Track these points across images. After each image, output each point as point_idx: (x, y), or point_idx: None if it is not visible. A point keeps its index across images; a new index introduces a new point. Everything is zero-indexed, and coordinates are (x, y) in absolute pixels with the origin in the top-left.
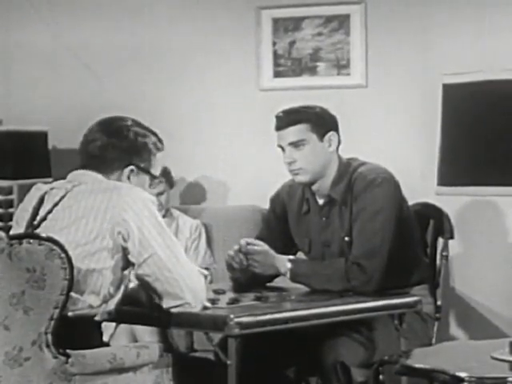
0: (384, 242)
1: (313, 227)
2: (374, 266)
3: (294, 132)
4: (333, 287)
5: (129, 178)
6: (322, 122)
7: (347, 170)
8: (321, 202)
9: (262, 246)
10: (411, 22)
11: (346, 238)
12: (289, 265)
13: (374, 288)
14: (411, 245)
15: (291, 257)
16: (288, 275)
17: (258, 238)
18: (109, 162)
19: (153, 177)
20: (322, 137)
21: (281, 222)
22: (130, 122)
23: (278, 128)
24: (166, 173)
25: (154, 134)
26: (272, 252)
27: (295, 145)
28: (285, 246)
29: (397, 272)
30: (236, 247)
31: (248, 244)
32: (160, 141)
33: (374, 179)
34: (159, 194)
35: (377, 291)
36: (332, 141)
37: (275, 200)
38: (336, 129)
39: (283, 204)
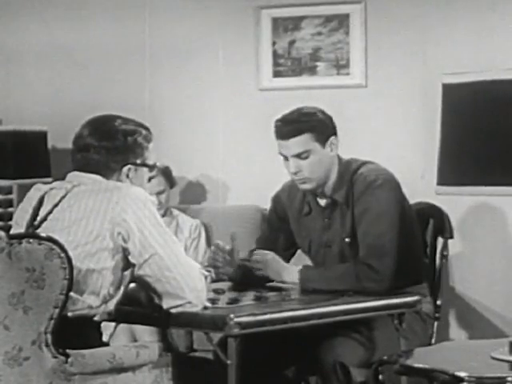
0: (393, 241)
1: (314, 228)
2: (386, 266)
3: (297, 143)
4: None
5: (128, 176)
6: (324, 130)
7: (348, 170)
8: (323, 203)
9: (271, 254)
10: (411, 21)
11: (347, 239)
12: (298, 274)
13: (386, 287)
14: (413, 244)
15: (300, 266)
16: (298, 282)
17: (261, 237)
18: (105, 166)
19: (150, 167)
20: (324, 143)
21: (282, 222)
22: (117, 122)
23: (280, 138)
24: (167, 172)
25: (143, 127)
26: (282, 261)
27: (299, 156)
28: (286, 244)
29: (400, 271)
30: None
31: (254, 252)
32: (148, 131)
33: (374, 180)
34: (159, 193)
35: (389, 290)
36: (333, 145)
37: (276, 200)
38: (335, 132)
39: (284, 204)
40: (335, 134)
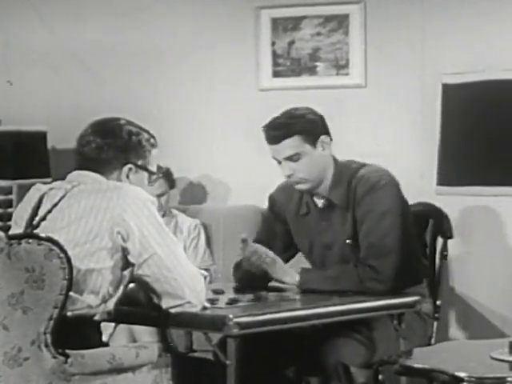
0: (395, 240)
1: (313, 229)
2: (387, 266)
3: (287, 147)
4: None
5: (128, 176)
6: (313, 130)
7: (345, 172)
8: (320, 204)
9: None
10: (410, 21)
11: (348, 241)
12: (297, 276)
13: (388, 287)
14: (412, 243)
15: (299, 268)
16: (297, 284)
17: (258, 239)
18: (106, 162)
19: (151, 173)
20: (314, 144)
21: (279, 222)
22: (122, 122)
23: (270, 143)
24: (167, 174)
25: (147, 132)
26: (282, 262)
27: (291, 158)
28: (284, 245)
29: (401, 271)
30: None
31: (254, 245)
32: (153, 137)
33: (377, 182)
34: (160, 196)
35: (391, 290)
36: (325, 143)
37: (272, 200)
38: (326, 130)
39: (281, 204)
40: (326, 133)
